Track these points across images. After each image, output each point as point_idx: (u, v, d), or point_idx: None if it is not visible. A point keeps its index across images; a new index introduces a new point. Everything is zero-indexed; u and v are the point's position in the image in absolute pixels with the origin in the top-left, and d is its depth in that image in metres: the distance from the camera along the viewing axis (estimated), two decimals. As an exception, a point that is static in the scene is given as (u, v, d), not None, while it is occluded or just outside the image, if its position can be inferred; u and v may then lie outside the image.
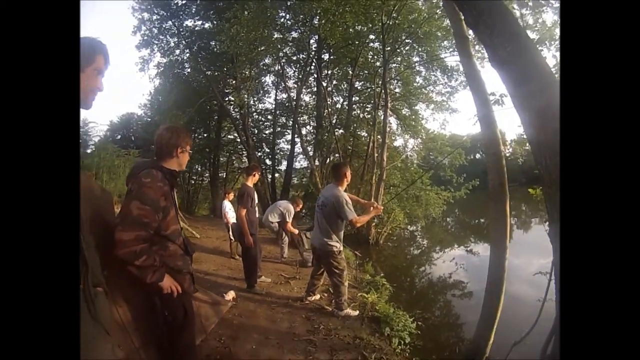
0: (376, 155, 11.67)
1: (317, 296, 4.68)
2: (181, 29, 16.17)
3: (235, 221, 5.60)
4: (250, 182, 4.93)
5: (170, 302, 2.13)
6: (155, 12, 15.41)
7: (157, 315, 2.21)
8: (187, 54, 16.90)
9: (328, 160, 15.80)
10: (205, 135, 21.95)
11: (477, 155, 53.17)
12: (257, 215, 5.01)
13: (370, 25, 12.45)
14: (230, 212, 7.00)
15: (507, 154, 56.61)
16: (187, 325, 2.27)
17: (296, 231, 6.85)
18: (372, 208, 4.37)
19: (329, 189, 4.16)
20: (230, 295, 4.45)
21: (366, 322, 4.03)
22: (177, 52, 17.00)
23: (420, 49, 13.60)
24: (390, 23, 11.05)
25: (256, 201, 5.00)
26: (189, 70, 17.92)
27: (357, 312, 4.23)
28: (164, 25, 15.87)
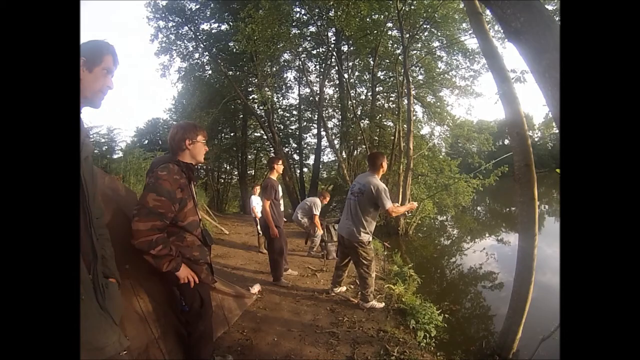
0: (402, 144, 11.48)
1: (344, 288, 4.63)
2: (198, 33, 16.31)
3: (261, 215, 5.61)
4: (274, 175, 4.94)
5: (187, 292, 2.19)
6: (170, 19, 15.52)
7: (176, 305, 2.27)
8: (207, 57, 17.07)
9: (355, 152, 15.72)
10: (232, 134, 22.28)
11: (506, 142, 51.48)
12: (282, 208, 5.01)
13: (387, 14, 12.17)
14: (257, 206, 7.05)
15: (536, 139, 54.99)
16: (203, 314, 2.32)
17: (319, 228, 6.82)
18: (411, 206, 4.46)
19: (365, 176, 4.04)
20: (256, 288, 4.49)
21: (391, 315, 3.94)
22: (197, 55, 17.17)
23: (439, 34, 13.27)
24: (407, 10, 10.82)
25: (280, 194, 4.99)
26: (209, 72, 18.13)
27: (382, 304, 4.15)
28: (180, 31, 16.01)
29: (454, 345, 3.86)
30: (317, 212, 6.80)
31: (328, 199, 7.49)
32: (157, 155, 10.43)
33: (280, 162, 5.00)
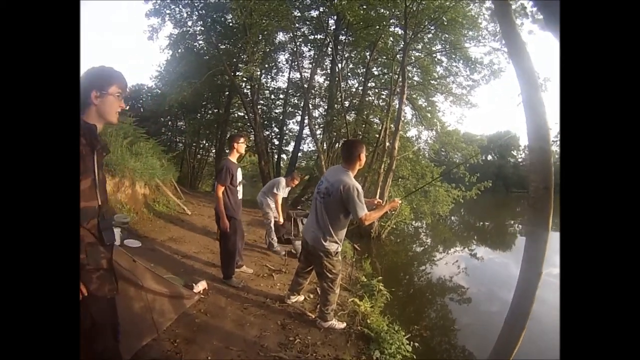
0: (387, 143, 11.04)
1: (301, 297, 4.03)
2: (195, 0, 15.48)
3: None
4: (233, 156, 4.24)
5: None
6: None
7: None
8: (200, 26, 16.29)
9: (337, 145, 15.23)
10: (215, 110, 21.61)
11: (489, 157, 52.59)
12: (240, 196, 4.33)
13: (393, 10, 11.79)
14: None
15: (520, 160, 56.23)
16: (96, 337, 1.68)
17: (278, 212, 6.14)
18: (377, 203, 3.57)
19: (336, 172, 3.27)
20: (201, 286, 3.89)
21: (353, 340, 3.35)
22: (190, 23, 16.38)
23: (444, 37, 12.86)
24: (414, 8, 10.35)
25: (240, 179, 4.31)
26: (201, 42, 17.44)
27: (343, 325, 3.53)
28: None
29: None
30: (278, 191, 6.13)
31: (297, 181, 6.77)
32: (127, 121, 9.74)
33: (243, 140, 4.32)
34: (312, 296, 4.18)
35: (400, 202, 3.60)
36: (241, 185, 4.36)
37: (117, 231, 5.08)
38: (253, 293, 4.13)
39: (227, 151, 4.38)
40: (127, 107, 20.84)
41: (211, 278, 4.31)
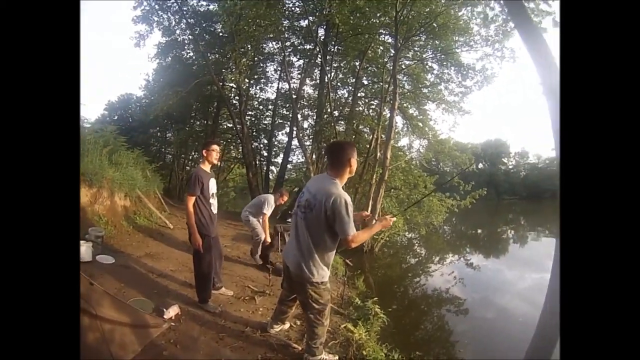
0: (379, 153, 10.73)
1: (286, 325, 3.51)
2: (185, 9, 15.20)
3: None
4: (206, 165, 3.79)
5: None
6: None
7: None
8: (188, 34, 15.91)
9: (327, 157, 14.88)
10: (204, 122, 21.33)
11: (480, 165, 53.14)
12: (214, 209, 3.85)
13: (383, 19, 11.71)
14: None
15: (510, 167, 57.22)
16: None
17: (265, 232, 5.85)
18: (367, 217, 3.03)
19: (320, 181, 2.66)
20: (172, 311, 3.44)
21: None
22: (178, 31, 16.09)
23: (434, 44, 12.76)
24: (405, 13, 10.15)
25: (213, 190, 3.83)
26: (189, 52, 17.14)
27: (335, 358, 3.02)
28: (166, 3, 14.87)
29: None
30: (267, 211, 5.78)
31: (286, 198, 6.44)
32: (108, 129, 9.32)
33: (214, 147, 3.84)
34: (299, 323, 3.68)
35: (394, 219, 2.89)
36: (215, 198, 3.89)
37: (88, 245, 4.67)
38: (231, 320, 3.63)
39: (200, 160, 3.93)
40: (116, 117, 20.55)
41: (186, 301, 3.85)
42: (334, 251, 2.70)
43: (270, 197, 5.99)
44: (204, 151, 3.80)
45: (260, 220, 5.92)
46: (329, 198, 2.42)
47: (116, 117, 20.61)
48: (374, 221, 2.90)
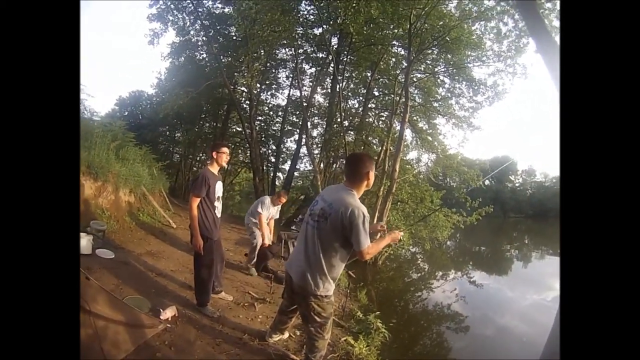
0: (387, 165, 10.63)
1: (285, 335, 3.38)
2: (200, 9, 15.36)
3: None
4: (214, 167, 3.70)
5: None
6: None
7: None
8: (203, 36, 16.06)
9: (335, 166, 14.85)
10: (213, 124, 21.46)
11: (487, 182, 52.97)
12: (218, 213, 3.76)
13: (395, 31, 11.80)
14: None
15: (517, 185, 57.06)
16: None
17: (262, 230, 5.68)
18: (381, 229, 2.98)
19: (336, 191, 2.56)
20: (169, 312, 3.35)
21: None
22: (192, 32, 16.19)
23: (447, 57, 12.71)
24: (419, 25, 10.14)
25: (219, 193, 3.75)
26: (202, 53, 17.30)
27: None
28: (182, 3, 15.06)
29: None
30: (261, 210, 5.68)
31: (284, 199, 6.29)
32: (117, 124, 9.32)
33: (224, 149, 3.75)
34: (298, 333, 3.56)
35: (402, 234, 2.89)
36: (220, 202, 3.80)
37: (88, 239, 4.61)
38: (229, 326, 3.51)
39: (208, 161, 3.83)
40: (126, 113, 20.74)
41: (184, 303, 3.76)
42: (343, 265, 2.60)
43: (267, 198, 5.91)
44: (213, 153, 3.71)
45: (257, 221, 5.76)
46: (346, 209, 2.34)
47: (126, 113, 20.84)
48: (379, 235, 2.86)
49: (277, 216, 6.34)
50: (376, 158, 12.57)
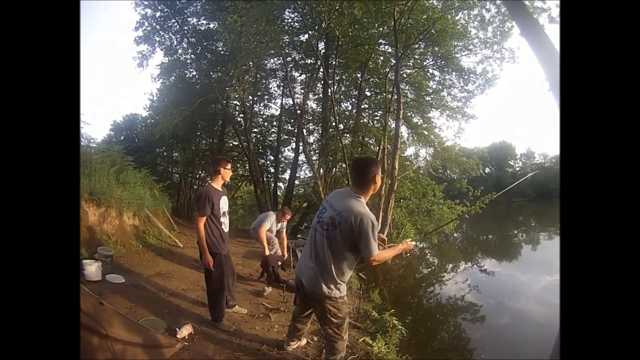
0: (387, 163, 10.65)
1: (303, 342, 3.40)
2: (185, 28, 15.38)
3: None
4: (217, 182, 3.69)
5: None
6: (159, 9, 14.53)
7: None
8: (190, 53, 16.07)
9: (334, 170, 14.86)
10: (210, 140, 21.43)
11: (487, 170, 52.81)
12: (226, 228, 3.76)
13: (381, 29, 11.90)
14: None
15: (517, 169, 56.98)
16: None
17: (263, 243, 5.68)
18: (384, 240, 2.89)
19: (344, 197, 2.55)
20: (186, 331, 3.36)
21: None
22: (180, 51, 16.14)
23: (434, 50, 12.78)
24: (403, 21, 10.25)
25: (225, 209, 3.74)
26: (192, 71, 17.27)
27: None
28: (167, 23, 15.01)
29: None
30: (266, 224, 5.77)
31: (289, 216, 6.40)
32: (114, 148, 9.36)
33: (228, 165, 3.76)
34: (316, 339, 3.58)
35: (413, 243, 2.89)
36: (227, 217, 3.80)
37: (97, 265, 4.62)
38: (246, 338, 3.52)
39: (208, 178, 3.85)
40: (122, 138, 20.78)
41: (199, 320, 3.77)
42: (352, 269, 2.65)
43: (272, 214, 6.07)
44: (220, 169, 3.69)
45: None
46: (356, 218, 2.37)
47: (122, 137, 20.82)
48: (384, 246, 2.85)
49: (283, 230, 6.45)
50: (374, 157, 12.61)
